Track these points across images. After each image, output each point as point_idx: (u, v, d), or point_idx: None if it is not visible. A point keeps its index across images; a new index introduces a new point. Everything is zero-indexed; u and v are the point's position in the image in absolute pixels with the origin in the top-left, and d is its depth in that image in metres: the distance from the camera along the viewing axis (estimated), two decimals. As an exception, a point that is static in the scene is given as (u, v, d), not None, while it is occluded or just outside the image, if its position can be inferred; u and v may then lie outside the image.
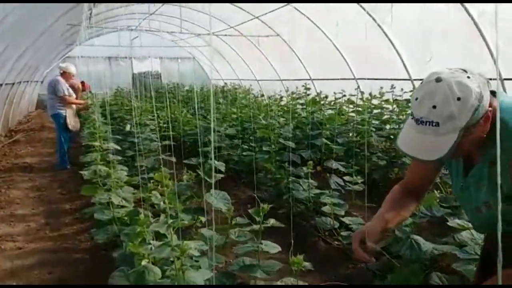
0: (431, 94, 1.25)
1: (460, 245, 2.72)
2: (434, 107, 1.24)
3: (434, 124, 1.25)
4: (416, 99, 1.29)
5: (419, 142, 1.30)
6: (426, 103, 1.26)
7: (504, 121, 1.29)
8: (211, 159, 3.34)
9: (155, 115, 5.87)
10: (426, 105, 1.25)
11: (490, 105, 1.28)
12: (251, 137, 6.09)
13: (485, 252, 1.80)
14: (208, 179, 3.35)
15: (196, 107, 6.50)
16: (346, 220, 3.73)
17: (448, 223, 2.86)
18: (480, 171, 1.43)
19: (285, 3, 8.40)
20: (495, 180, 0.81)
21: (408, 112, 5.89)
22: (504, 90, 5.28)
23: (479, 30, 5.47)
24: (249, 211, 2.64)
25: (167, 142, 4.95)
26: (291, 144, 5.10)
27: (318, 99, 7.76)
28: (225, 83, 15.51)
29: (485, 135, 1.32)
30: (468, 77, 1.26)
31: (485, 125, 1.29)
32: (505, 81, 5.35)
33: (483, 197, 1.44)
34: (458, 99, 1.22)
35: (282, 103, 9.26)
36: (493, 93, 1.36)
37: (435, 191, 3.41)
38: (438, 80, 1.26)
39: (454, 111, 1.22)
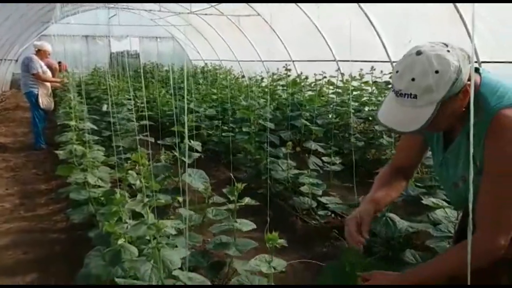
0: (411, 67, 1.27)
1: (434, 223, 2.78)
2: (413, 79, 1.25)
3: (412, 96, 1.26)
4: (397, 72, 1.31)
5: (398, 114, 1.31)
6: (405, 75, 1.27)
7: (483, 95, 1.32)
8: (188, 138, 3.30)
9: (132, 94, 5.76)
10: (406, 78, 1.27)
11: (469, 80, 1.29)
12: (231, 118, 6.06)
13: (459, 232, 1.81)
14: (184, 159, 3.31)
15: (173, 87, 6.40)
16: (323, 199, 3.77)
17: (422, 201, 2.91)
18: (459, 145, 1.44)
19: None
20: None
21: (386, 94, 5.94)
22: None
23: (460, 14, 5.51)
24: (224, 190, 2.64)
25: (144, 122, 4.88)
26: (270, 125, 5.09)
27: (298, 81, 7.74)
28: (206, 64, 15.33)
29: (464, 109, 1.32)
30: (448, 50, 1.26)
31: (464, 99, 1.30)
32: (482, 64, 5.41)
33: (460, 172, 1.46)
34: (436, 72, 1.23)
35: (263, 84, 9.21)
36: (476, 70, 1.38)
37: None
38: (419, 53, 1.27)
39: (432, 84, 1.23)
